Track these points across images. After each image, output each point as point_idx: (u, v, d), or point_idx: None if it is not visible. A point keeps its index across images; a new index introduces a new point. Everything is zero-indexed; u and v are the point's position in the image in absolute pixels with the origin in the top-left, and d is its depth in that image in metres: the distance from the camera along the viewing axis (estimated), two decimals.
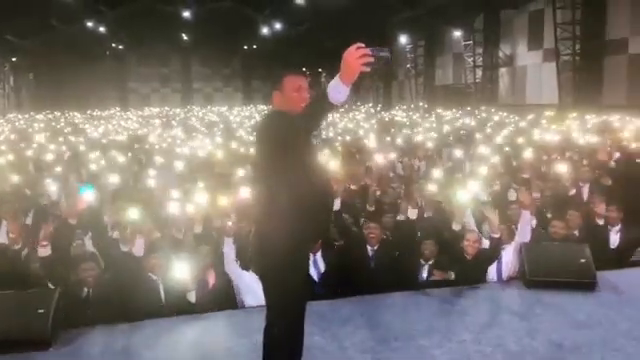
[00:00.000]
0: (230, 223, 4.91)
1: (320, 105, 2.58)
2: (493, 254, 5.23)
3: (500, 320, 4.28)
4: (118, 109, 41.81)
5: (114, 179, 7.98)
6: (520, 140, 11.77)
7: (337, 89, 2.47)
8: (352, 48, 2.40)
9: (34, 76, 47.55)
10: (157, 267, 4.78)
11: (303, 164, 2.82)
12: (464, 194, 5.62)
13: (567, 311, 4.29)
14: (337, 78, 2.46)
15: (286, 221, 2.76)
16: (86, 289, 4.57)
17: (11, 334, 3.84)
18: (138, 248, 5.04)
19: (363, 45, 2.41)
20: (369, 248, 5.30)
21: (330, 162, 7.45)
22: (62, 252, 5.12)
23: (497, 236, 5.38)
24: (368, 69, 2.42)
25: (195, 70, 51.45)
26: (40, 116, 33.15)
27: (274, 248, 2.81)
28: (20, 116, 33.84)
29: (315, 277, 4.99)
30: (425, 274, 5.13)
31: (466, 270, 5.02)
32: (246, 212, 5.33)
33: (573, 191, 6.93)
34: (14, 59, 42.00)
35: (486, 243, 5.44)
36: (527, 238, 5.12)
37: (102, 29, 37.89)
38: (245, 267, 4.85)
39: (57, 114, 35.29)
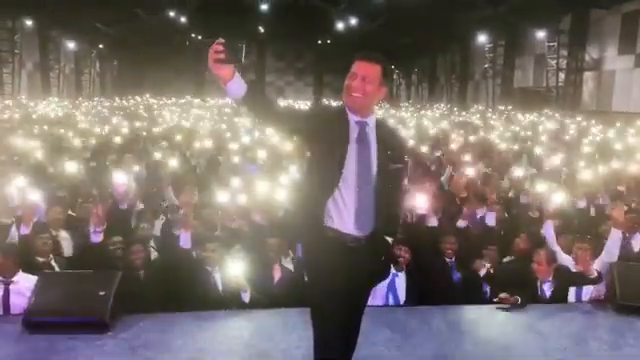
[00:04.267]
0: None
1: None
2: (579, 282, 4.70)
3: (586, 347, 3.84)
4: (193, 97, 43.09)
5: (173, 163, 7.95)
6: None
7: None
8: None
9: (118, 62, 49.81)
10: (211, 259, 4.62)
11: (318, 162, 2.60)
12: None
13: None
14: None
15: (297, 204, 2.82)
16: (137, 273, 4.55)
17: (71, 314, 3.83)
18: (184, 240, 4.88)
19: (221, 41, 2.35)
20: (447, 260, 4.98)
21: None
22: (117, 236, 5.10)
23: (593, 277, 4.60)
24: (220, 66, 2.35)
25: (269, 63, 52.15)
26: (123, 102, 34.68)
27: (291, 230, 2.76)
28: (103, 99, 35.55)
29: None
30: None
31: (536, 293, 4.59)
32: None
33: None
34: (101, 46, 44.15)
35: (566, 259, 4.95)
36: (614, 258, 4.63)
37: (183, 19, 39.07)
38: None
39: (137, 99, 36.81)
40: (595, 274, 4.54)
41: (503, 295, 4.42)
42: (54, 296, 3.92)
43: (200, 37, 47.09)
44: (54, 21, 33.91)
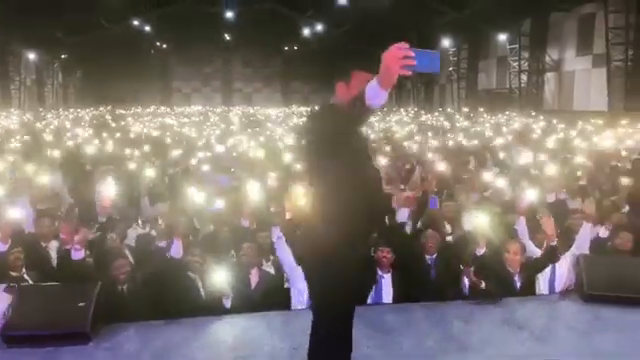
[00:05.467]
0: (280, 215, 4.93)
1: (358, 108, 2.31)
2: (544, 264, 4.90)
3: (557, 336, 4.01)
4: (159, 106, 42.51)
5: (150, 173, 7.85)
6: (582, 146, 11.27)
7: (375, 92, 2.22)
8: (393, 48, 2.10)
9: (82, 73, 48.83)
10: (195, 265, 4.63)
11: (355, 164, 2.65)
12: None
13: (630, 328, 4.00)
14: (375, 80, 2.20)
15: (336, 223, 2.63)
16: (120, 287, 4.50)
17: (51, 327, 3.79)
18: (176, 249, 4.83)
19: (407, 45, 2.10)
20: (427, 257, 5.04)
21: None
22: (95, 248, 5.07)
23: (554, 244, 4.93)
24: (408, 73, 2.12)
25: (236, 70, 51.99)
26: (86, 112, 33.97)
27: (322, 249, 2.67)
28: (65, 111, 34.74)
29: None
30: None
31: (508, 283, 4.74)
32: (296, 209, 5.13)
33: None
34: (63, 56, 43.21)
35: (536, 252, 5.14)
36: (585, 250, 4.82)
37: (147, 28, 38.67)
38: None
39: (102, 109, 36.14)
40: (555, 242, 4.79)
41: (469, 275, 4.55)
42: (32, 309, 3.87)
43: (165, 45, 46.71)
44: (13, 32, 33.06)
